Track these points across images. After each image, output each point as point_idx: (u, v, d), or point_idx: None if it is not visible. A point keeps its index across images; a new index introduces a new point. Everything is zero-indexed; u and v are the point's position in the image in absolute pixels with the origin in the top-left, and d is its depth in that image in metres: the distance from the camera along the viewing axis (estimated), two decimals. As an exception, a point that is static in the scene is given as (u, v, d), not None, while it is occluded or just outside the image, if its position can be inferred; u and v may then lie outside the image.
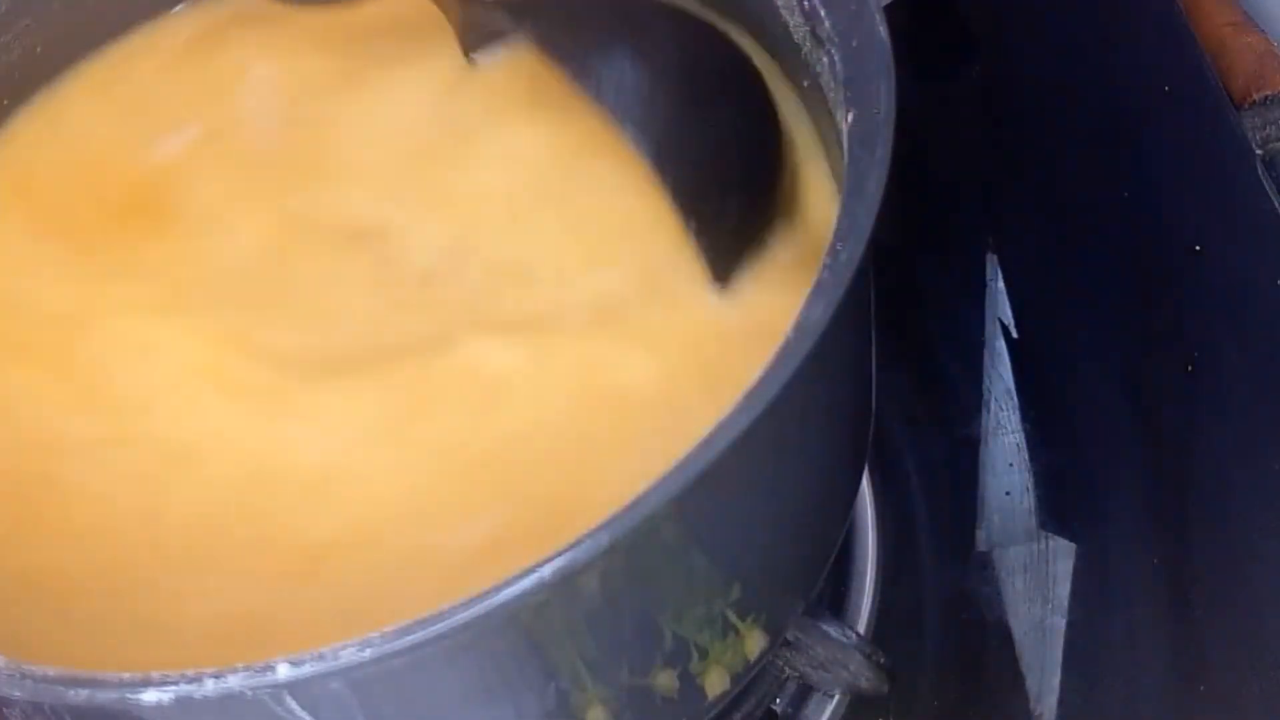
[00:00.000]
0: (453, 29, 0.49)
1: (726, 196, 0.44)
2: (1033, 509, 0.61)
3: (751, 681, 0.52)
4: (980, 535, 0.61)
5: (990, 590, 0.59)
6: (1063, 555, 0.59)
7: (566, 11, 0.47)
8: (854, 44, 0.41)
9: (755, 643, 0.44)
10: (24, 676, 0.33)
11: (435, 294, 0.46)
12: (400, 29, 0.52)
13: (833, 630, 0.54)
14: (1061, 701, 0.56)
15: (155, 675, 0.32)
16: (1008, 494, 0.61)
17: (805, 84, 0.47)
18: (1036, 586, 0.59)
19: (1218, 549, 0.52)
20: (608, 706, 0.40)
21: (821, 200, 0.46)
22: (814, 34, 0.45)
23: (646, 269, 0.45)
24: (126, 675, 0.32)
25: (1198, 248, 0.54)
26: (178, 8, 0.55)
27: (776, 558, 0.43)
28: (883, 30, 0.40)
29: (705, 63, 0.46)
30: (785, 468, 0.40)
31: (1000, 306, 0.64)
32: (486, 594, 0.32)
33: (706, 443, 0.33)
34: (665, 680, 0.41)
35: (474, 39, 0.50)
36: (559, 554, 0.32)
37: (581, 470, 0.41)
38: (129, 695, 0.32)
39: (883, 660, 0.55)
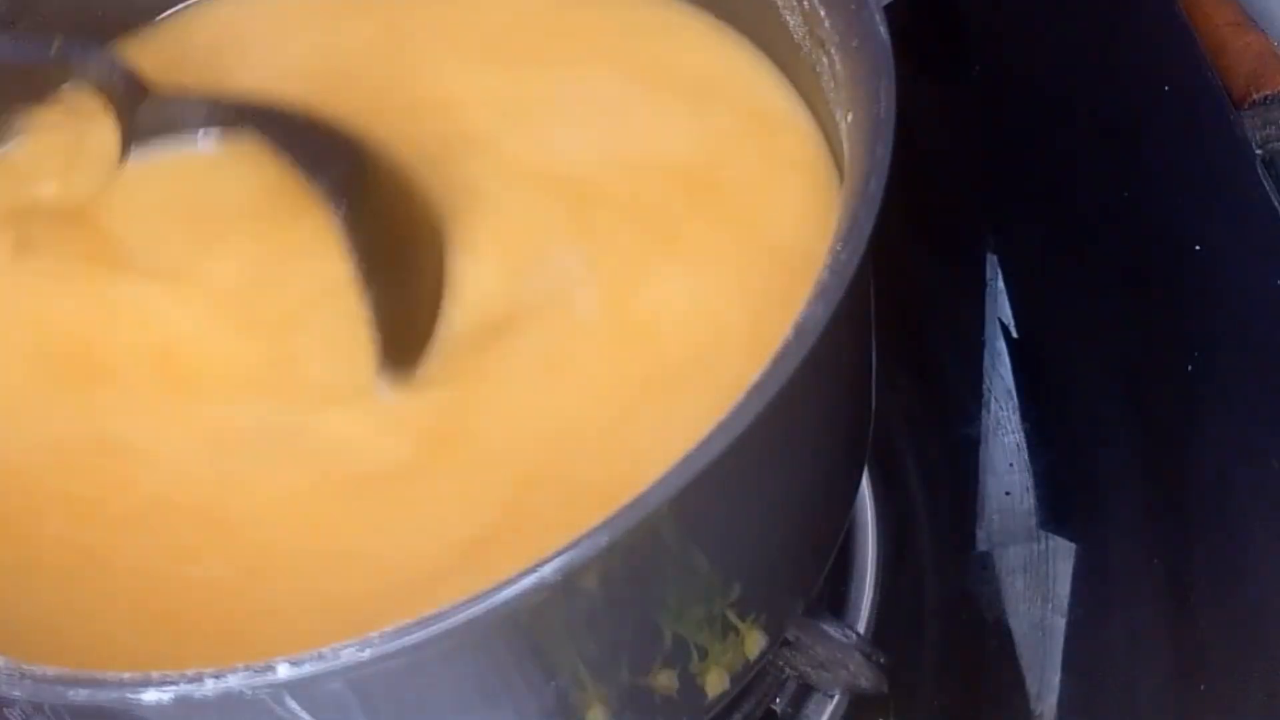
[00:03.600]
0: (119, 124, 0.47)
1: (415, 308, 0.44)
2: (1033, 509, 0.61)
3: (751, 681, 0.52)
4: (980, 535, 0.61)
5: (990, 590, 0.59)
6: (1063, 555, 0.59)
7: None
8: (854, 44, 0.41)
9: (755, 643, 0.44)
10: (24, 676, 0.33)
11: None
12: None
13: (833, 630, 0.54)
14: (1061, 701, 0.56)
15: (155, 675, 0.32)
16: (1008, 494, 0.61)
17: (805, 84, 0.47)
18: (1036, 586, 0.59)
19: (1218, 549, 0.52)
20: (608, 706, 0.40)
21: (821, 200, 0.46)
22: (814, 34, 0.45)
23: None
24: (126, 675, 0.32)
25: (1198, 248, 0.54)
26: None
27: (776, 558, 0.43)
28: (883, 30, 0.40)
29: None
30: (785, 468, 0.40)
31: (1000, 306, 0.64)
32: (486, 594, 0.31)
33: (706, 443, 0.33)
34: (665, 680, 0.41)
35: (144, 135, 0.47)
36: (559, 554, 0.32)
37: None
38: (129, 695, 0.32)
39: (883, 660, 0.55)
